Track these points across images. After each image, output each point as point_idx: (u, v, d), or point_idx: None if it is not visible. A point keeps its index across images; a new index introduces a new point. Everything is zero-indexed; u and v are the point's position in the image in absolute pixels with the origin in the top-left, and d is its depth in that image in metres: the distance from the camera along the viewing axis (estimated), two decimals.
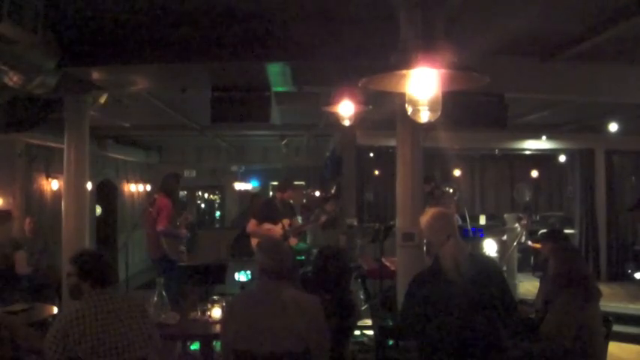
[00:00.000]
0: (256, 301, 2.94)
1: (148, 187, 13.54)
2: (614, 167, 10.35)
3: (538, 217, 11.38)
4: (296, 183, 8.22)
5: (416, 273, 3.16)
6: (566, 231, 8.96)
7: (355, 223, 8.04)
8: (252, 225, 6.69)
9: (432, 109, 2.42)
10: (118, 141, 10.93)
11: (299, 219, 7.91)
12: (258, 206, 7.27)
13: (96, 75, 5.08)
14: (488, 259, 4.88)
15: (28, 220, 7.59)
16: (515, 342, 3.31)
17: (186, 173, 12.92)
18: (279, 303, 2.87)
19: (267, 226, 6.64)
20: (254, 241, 6.56)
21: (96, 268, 2.87)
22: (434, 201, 6.89)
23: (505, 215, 9.32)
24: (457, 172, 11.88)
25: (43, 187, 8.97)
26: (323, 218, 7.17)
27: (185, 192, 15.58)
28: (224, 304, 3.94)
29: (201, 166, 14.43)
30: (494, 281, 2.97)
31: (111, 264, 3.04)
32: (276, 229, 6.66)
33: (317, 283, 3.52)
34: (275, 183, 16.40)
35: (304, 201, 7.46)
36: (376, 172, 10.79)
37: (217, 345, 3.71)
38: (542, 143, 10.02)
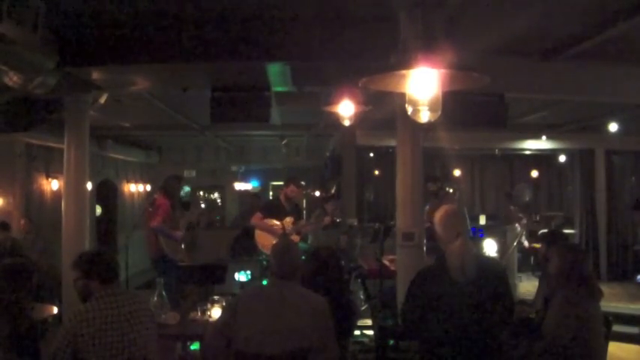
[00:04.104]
0: (265, 301, 2.94)
1: (148, 187, 13.53)
2: (614, 167, 10.33)
3: (538, 217, 11.37)
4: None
5: (418, 271, 3.16)
6: (566, 231, 8.99)
7: (355, 223, 8.03)
8: (256, 218, 6.87)
9: (432, 109, 2.42)
10: (118, 141, 10.92)
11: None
12: (265, 202, 7.87)
13: (96, 75, 5.08)
14: (493, 260, 4.89)
15: (22, 222, 7.59)
16: (516, 342, 3.30)
17: (186, 173, 12.90)
18: (288, 302, 2.89)
19: (270, 221, 6.82)
20: (258, 234, 6.82)
21: (99, 265, 2.86)
22: (437, 201, 6.89)
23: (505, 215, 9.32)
24: (457, 172, 11.87)
25: (43, 187, 8.97)
26: (327, 220, 7.22)
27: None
28: (224, 304, 3.94)
29: (201, 166, 14.41)
30: (497, 283, 2.97)
31: (112, 258, 3.02)
32: (279, 225, 6.83)
33: (314, 284, 3.51)
34: (275, 183, 16.42)
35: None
36: (376, 172, 10.78)
37: None
38: (542, 143, 10.01)
